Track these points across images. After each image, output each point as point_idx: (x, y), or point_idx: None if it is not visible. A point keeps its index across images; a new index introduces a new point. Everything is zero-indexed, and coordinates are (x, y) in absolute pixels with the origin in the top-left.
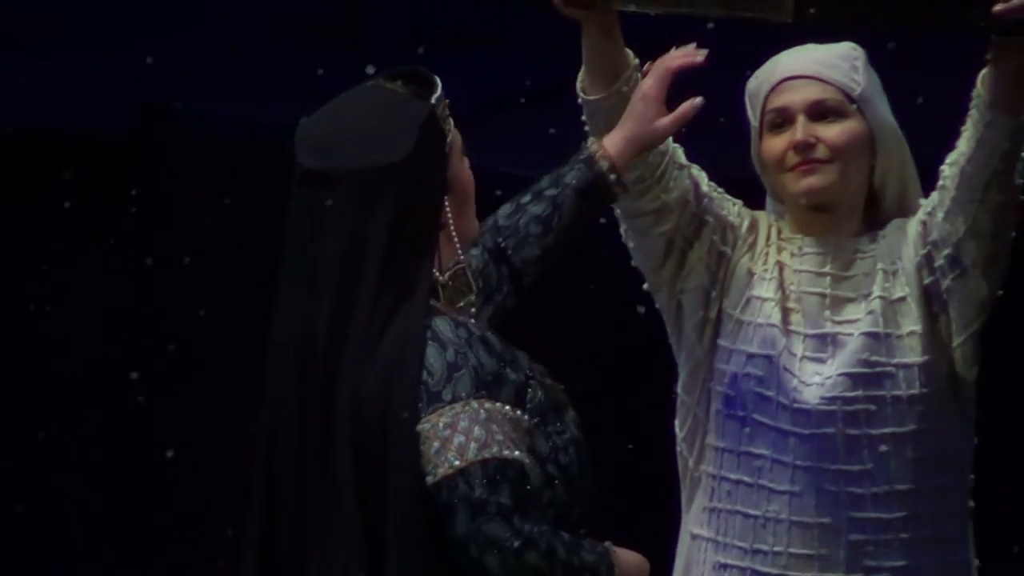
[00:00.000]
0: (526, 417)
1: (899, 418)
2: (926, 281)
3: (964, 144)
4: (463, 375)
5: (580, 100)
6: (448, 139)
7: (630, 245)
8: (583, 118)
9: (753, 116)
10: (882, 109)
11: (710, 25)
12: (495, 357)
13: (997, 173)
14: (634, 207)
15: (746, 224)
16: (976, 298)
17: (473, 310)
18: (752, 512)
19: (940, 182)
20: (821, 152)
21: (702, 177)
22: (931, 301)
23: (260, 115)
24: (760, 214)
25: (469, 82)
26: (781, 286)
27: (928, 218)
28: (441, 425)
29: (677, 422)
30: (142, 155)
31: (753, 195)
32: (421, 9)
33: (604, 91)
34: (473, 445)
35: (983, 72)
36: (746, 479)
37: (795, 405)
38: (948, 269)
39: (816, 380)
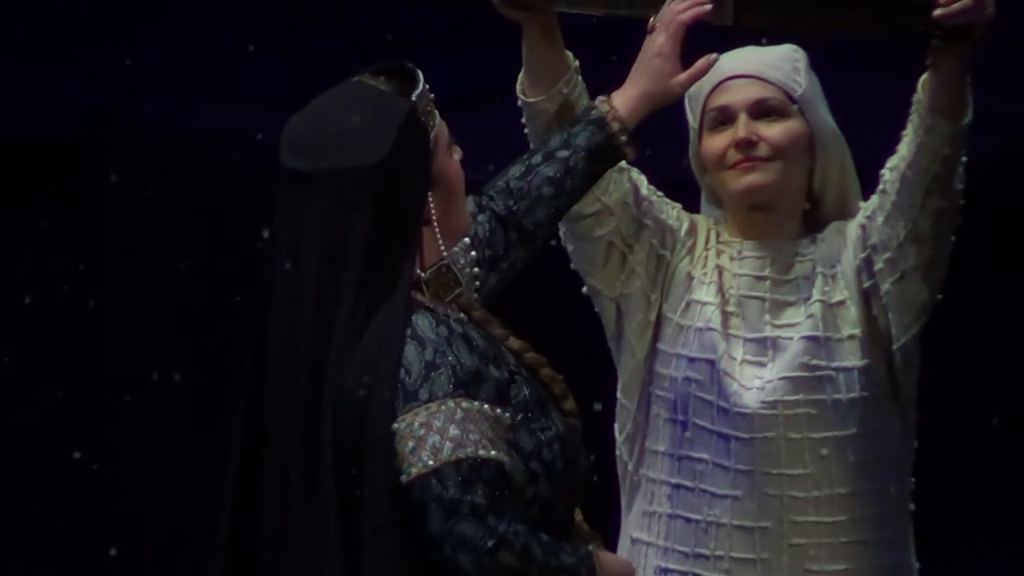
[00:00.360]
0: (507, 414)
1: (839, 422)
2: (865, 284)
3: (905, 149)
4: (441, 374)
5: (520, 102)
6: (432, 134)
7: (570, 248)
8: (523, 120)
9: (693, 116)
10: (823, 112)
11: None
12: (476, 354)
13: (938, 178)
14: (574, 210)
15: (685, 227)
16: (916, 302)
17: (477, 283)
18: (693, 516)
19: (880, 186)
20: (763, 150)
21: (642, 180)
22: (870, 304)
23: (202, 118)
24: (699, 217)
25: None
26: (721, 290)
27: (868, 222)
28: (416, 424)
29: (617, 426)
30: (85, 157)
31: (691, 198)
32: (360, 12)
33: (544, 93)
34: (448, 445)
35: (923, 77)
36: (687, 483)
37: (735, 409)
38: (888, 273)
39: (756, 384)
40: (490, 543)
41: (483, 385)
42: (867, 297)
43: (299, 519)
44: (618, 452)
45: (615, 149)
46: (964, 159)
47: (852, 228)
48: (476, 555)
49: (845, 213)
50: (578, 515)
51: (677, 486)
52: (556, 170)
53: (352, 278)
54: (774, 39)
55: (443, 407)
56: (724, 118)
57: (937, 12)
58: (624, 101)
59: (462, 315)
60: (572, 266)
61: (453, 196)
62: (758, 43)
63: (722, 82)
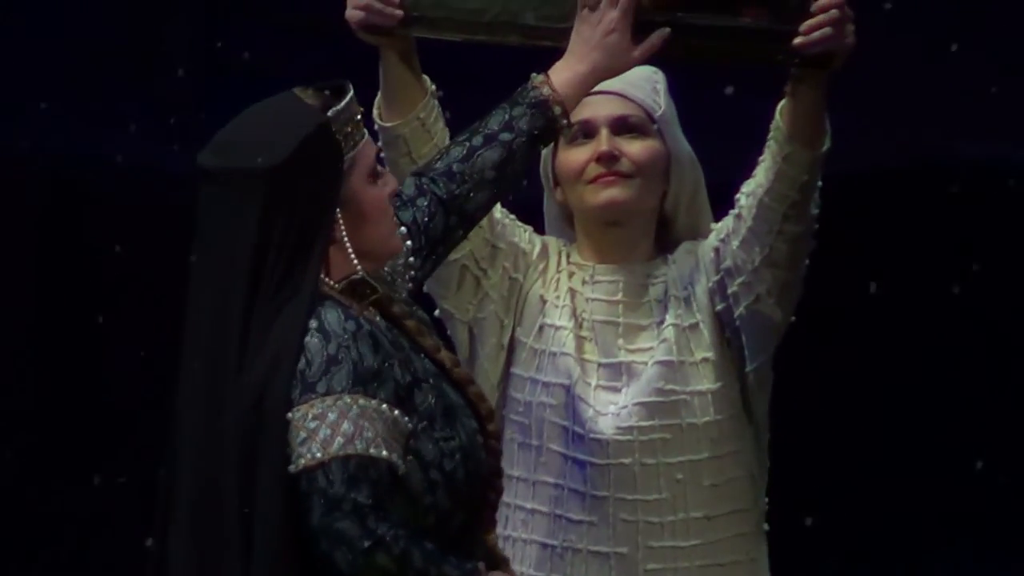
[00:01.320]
0: (407, 419)
1: (694, 445)
2: (718, 307)
3: (762, 175)
4: (341, 369)
5: (376, 127)
6: (349, 154)
7: None
8: (379, 144)
9: None
10: (679, 134)
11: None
12: (380, 354)
13: (795, 204)
14: None
15: (537, 250)
16: (769, 325)
17: (412, 272)
18: (548, 541)
19: (736, 210)
20: (624, 165)
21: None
22: (723, 327)
23: (59, 141)
24: (550, 239)
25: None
26: (574, 314)
27: (722, 245)
28: (310, 416)
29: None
30: None
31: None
32: (216, 35)
33: (401, 118)
34: (339, 440)
35: (781, 104)
36: (541, 508)
37: (590, 435)
38: (742, 297)
39: (611, 410)
40: (367, 543)
41: (384, 385)
42: (720, 320)
43: (204, 506)
44: None
45: (555, 132)
46: (820, 184)
47: (705, 250)
48: (352, 554)
49: (696, 234)
50: (492, 538)
51: (532, 511)
52: (499, 154)
53: (243, 275)
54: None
55: (339, 402)
56: (585, 132)
57: (798, 41)
58: (571, 77)
59: (378, 318)
60: (425, 289)
61: (365, 221)
62: None
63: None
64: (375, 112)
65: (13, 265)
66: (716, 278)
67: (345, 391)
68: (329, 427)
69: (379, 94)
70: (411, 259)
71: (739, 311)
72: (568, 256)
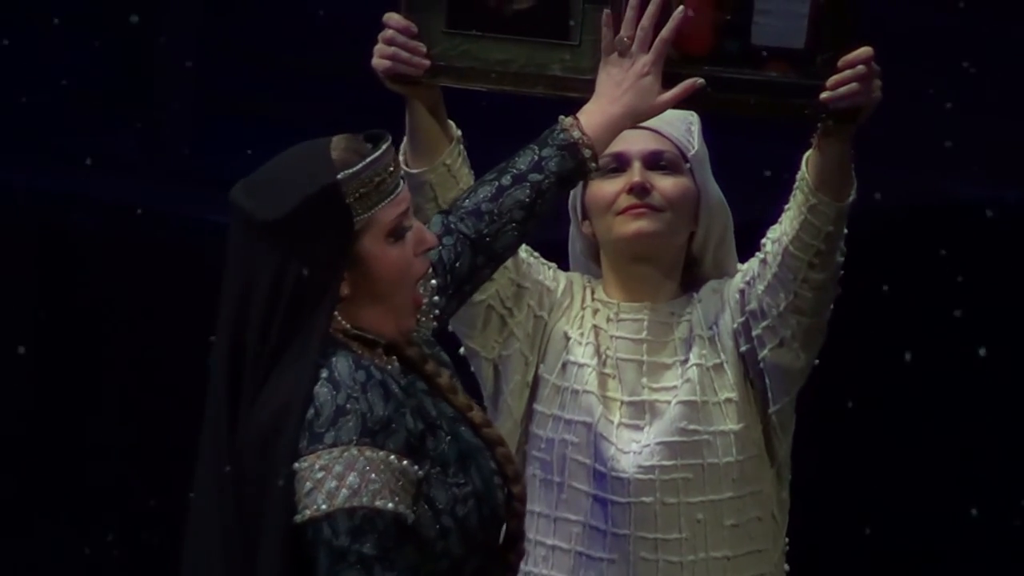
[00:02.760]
0: (416, 467)
1: (715, 485)
2: (742, 349)
3: (788, 224)
4: (349, 420)
5: (402, 173)
6: (361, 216)
7: None
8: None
9: None
10: (710, 177)
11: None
12: (392, 403)
13: (820, 253)
14: None
15: (562, 287)
16: (794, 369)
17: (437, 311)
18: None
19: (761, 255)
20: (655, 199)
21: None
22: (747, 368)
23: (45, 182)
24: (574, 275)
25: (253, 149)
26: (598, 351)
27: (747, 287)
28: (317, 467)
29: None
30: None
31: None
32: (206, 77)
33: (427, 165)
34: (344, 492)
35: (808, 154)
36: (562, 545)
37: (612, 473)
38: (767, 340)
39: (633, 448)
40: None
41: (393, 436)
42: (744, 361)
43: (210, 551)
44: None
45: (584, 173)
46: (845, 233)
47: (730, 291)
48: None
49: (722, 274)
50: None
51: (553, 547)
52: (527, 194)
53: (258, 322)
54: None
55: (346, 453)
56: (617, 165)
57: (824, 95)
58: (602, 121)
59: (394, 362)
60: (450, 328)
61: (379, 281)
62: None
63: None
64: (401, 159)
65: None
66: (741, 319)
67: (352, 442)
68: (335, 479)
69: (404, 140)
70: (436, 298)
71: (763, 354)
72: (593, 293)
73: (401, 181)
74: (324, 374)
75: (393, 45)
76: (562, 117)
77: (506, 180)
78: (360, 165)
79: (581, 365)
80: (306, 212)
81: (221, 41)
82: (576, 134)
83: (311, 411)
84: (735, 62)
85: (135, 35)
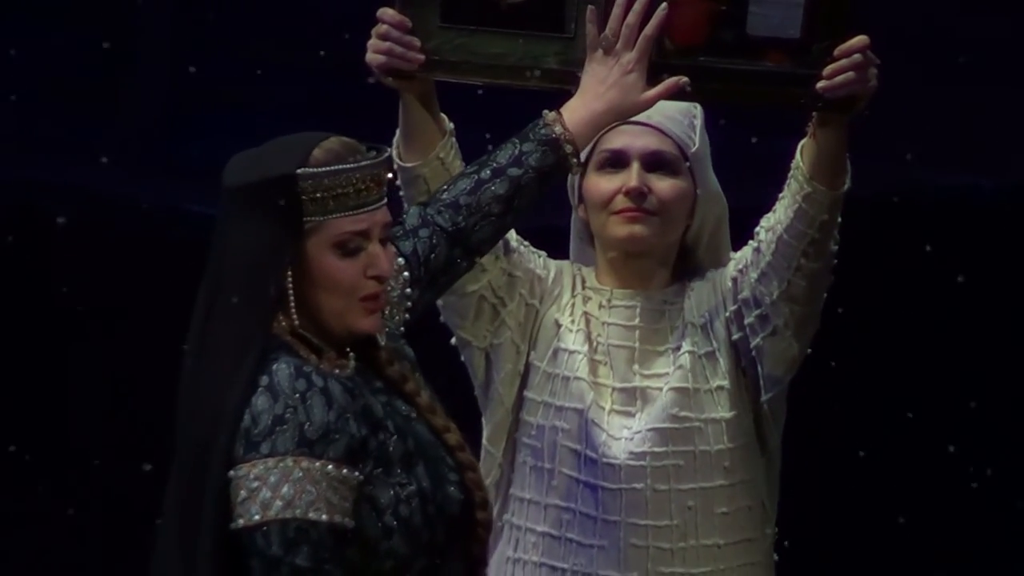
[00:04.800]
0: (356, 473)
1: (707, 473)
2: (734, 337)
3: (782, 212)
4: (286, 431)
5: (396, 167)
6: (312, 218)
7: (439, 303)
8: (398, 183)
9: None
10: (709, 171)
11: None
12: (335, 410)
13: (814, 242)
14: None
15: (552, 275)
16: (786, 357)
17: (409, 303)
18: (558, 564)
19: (755, 243)
20: (651, 203)
21: (510, 232)
22: (739, 356)
23: (21, 173)
24: (563, 264)
25: (230, 141)
26: (588, 338)
27: (740, 275)
28: (252, 476)
29: (481, 472)
30: None
31: (558, 245)
32: (181, 68)
33: (421, 158)
34: (278, 503)
35: (802, 143)
36: (552, 531)
37: (603, 460)
38: (759, 328)
39: (625, 435)
40: None
41: (333, 444)
42: (736, 349)
43: (166, 554)
44: None
45: (564, 169)
46: (839, 222)
47: (723, 279)
48: None
49: (715, 263)
50: None
51: (543, 534)
52: (506, 188)
53: (221, 283)
54: None
55: (281, 464)
56: (616, 161)
57: (821, 85)
58: (585, 116)
59: (338, 369)
60: (441, 318)
61: (314, 287)
62: None
63: (620, 124)
64: (394, 152)
65: None
66: (733, 308)
67: (288, 453)
68: (270, 489)
69: (397, 134)
70: (408, 290)
71: (755, 342)
72: (584, 282)
73: (377, 201)
74: (264, 381)
75: (388, 40)
76: (546, 112)
77: (485, 174)
78: (323, 169)
79: (572, 352)
80: (260, 191)
81: (200, 30)
82: (558, 130)
83: (248, 419)
84: (731, 52)
85: (112, 23)
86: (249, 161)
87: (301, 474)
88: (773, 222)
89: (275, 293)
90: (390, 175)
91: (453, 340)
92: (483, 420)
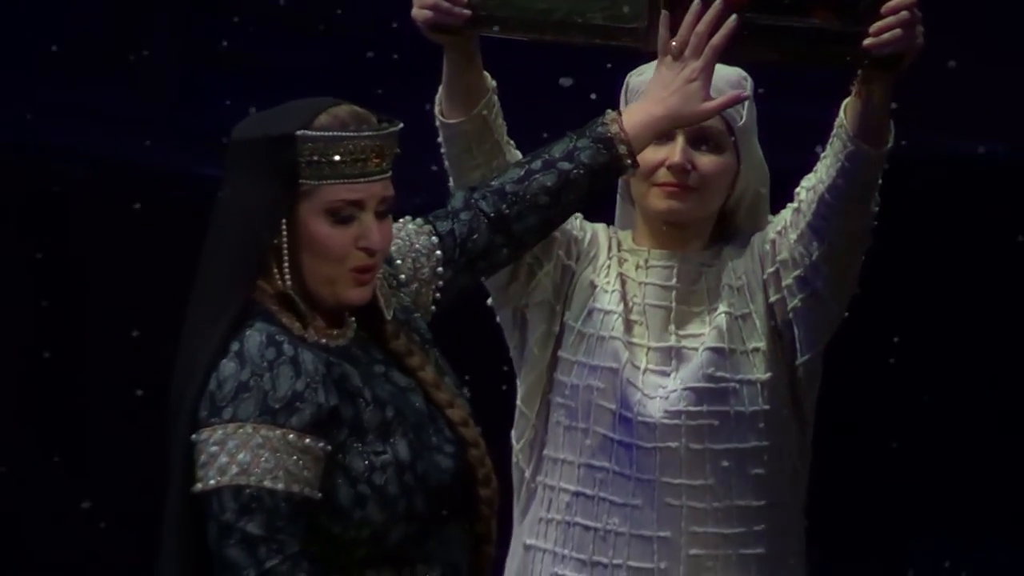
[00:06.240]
0: (321, 444)
1: (741, 434)
2: (772, 299)
3: (824, 171)
4: (249, 398)
5: (438, 123)
6: (307, 181)
7: None
8: (439, 140)
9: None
10: (754, 143)
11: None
12: (302, 379)
13: (855, 201)
14: None
15: (588, 237)
16: (824, 320)
17: (440, 283)
18: (592, 524)
19: (795, 204)
20: (693, 179)
21: None
22: (776, 318)
23: (33, 136)
24: (599, 226)
25: (245, 104)
26: (624, 298)
27: (779, 237)
28: (211, 441)
29: (514, 433)
30: None
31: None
32: (191, 32)
33: (464, 115)
34: (234, 468)
35: (846, 101)
36: (586, 491)
37: (638, 418)
38: (797, 290)
39: (660, 394)
40: (252, 573)
41: (297, 413)
42: (772, 311)
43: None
44: (515, 459)
45: (618, 170)
46: (880, 182)
47: (761, 241)
48: None
49: (753, 226)
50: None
51: (577, 494)
52: (554, 181)
53: (213, 265)
54: None
55: (240, 430)
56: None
57: (867, 42)
58: (644, 119)
59: (325, 339)
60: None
61: (303, 250)
62: None
63: None
64: (436, 108)
65: None
66: (771, 269)
67: (249, 420)
68: (227, 455)
69: (440, 90)
70: (440, 269)
71: (793, 303)
72: (620, 244)
73: (377, 173)
74: (235, 347)
75: None
76: (608, 110)
77: (536, 165)
78: (323, 134)
79: (607, 312)
80: (260, 148)
81: None
82: (614, 129)
83: (214, 383)
84: (777, 9)
85: None
86: (259, 120)
87: (260, 441)
88: (814, 182)
89: (263, 254)
90: (397, 151)
91: (489, 301)
92: (517, 381)
